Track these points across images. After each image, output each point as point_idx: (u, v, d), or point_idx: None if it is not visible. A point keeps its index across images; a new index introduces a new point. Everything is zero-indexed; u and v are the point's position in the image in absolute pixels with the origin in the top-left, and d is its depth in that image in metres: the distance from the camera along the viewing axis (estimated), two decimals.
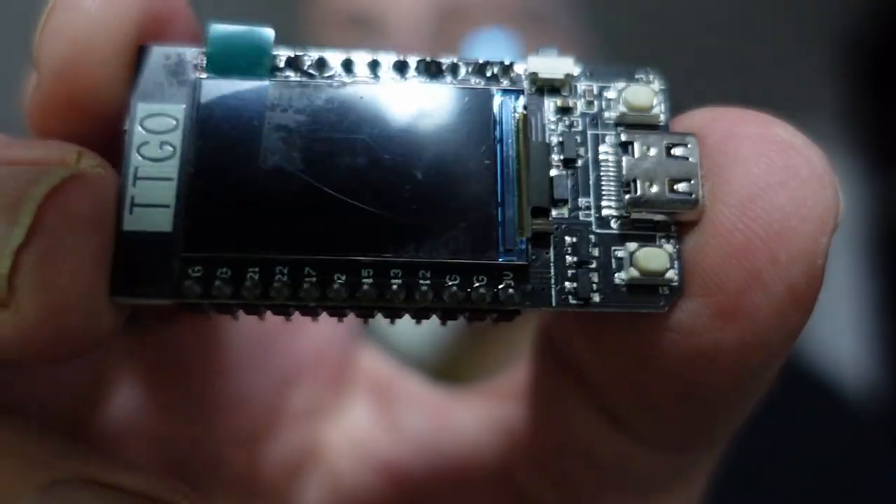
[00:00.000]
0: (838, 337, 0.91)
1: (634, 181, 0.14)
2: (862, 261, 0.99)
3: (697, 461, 0.17)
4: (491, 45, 0.51)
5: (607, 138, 0.15)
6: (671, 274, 0.14)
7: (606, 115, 0.15)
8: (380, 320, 0.15)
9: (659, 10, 0.95)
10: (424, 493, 0.20)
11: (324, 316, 0.15)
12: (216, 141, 0.14)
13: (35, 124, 0.14)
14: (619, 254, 0.14)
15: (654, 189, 0.14)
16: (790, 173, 0.13)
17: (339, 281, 0.14)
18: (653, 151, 0.14)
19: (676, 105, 0.15)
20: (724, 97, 0.16)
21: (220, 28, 0.15)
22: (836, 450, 0.52)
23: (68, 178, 0.12)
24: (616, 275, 0.14)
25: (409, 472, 0.21)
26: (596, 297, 0.14)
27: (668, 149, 0.14)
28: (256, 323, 0.20)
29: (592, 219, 0.15)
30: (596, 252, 0.14)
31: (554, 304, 0.14)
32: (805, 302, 0.13)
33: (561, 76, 0.15)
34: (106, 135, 0.14)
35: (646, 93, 0.15)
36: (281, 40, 0.15)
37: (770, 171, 0.13)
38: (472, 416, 0.21)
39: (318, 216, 0.14)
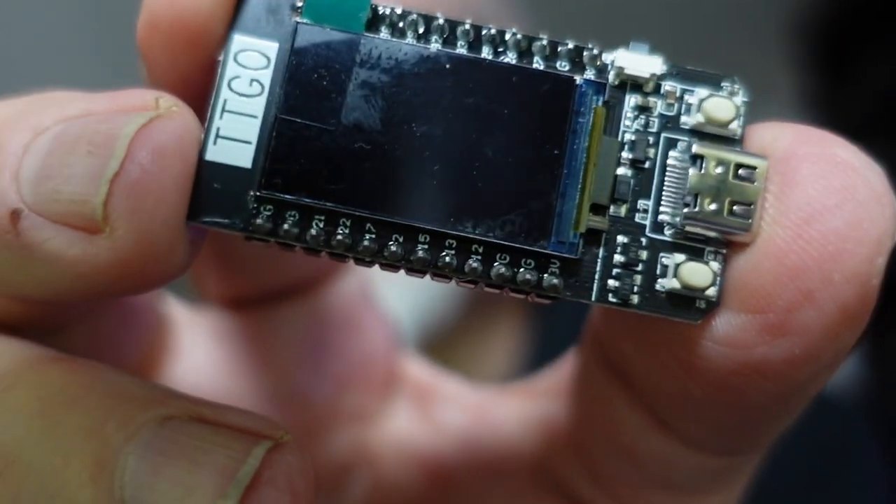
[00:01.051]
0: None
1: (696, 196, 0.15)
2: None
3: (740, 464, 0.17)
4: None
5: (679, 144, 0.15)
6: (711, 291, 0.14)
7: (683, 119, 0.15)
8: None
9: None
10: (464, 487, 0.21)
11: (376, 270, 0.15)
12: (304, 88, 0.15)
13: (142, 49, 0.15)
14: (666, 261, 0.15)
15: (713, 207, 0.14)
16: (847, 195, 0.13)
17: (397, 242, 0.14)
18: (720, 169, 0.15)
19: None
20: None
21: None
22: (819, 446, 0.53)
23: (154, 117, 0.13)
24: (658, 281, 0.15)
25: (449, 467, 0.21)
26: (635, 299, 0.15)
27: (737, 168, 0.14)
28: (315, 325, 0.21)
29: (648, 222, 0.15)
30: (644, 255, 0.15)
31: (594, 298, 0.15)
32: (857, 319, 0.13)
33: (647, 75, 0.15)
34: (205, 64, 0.15)
35: (727, 107, 0.15)
36: None
37: (827, 192, 0.13)
38: (512, 413, 0.21)
39: (387, 177, 0.15)
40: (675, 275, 0.15)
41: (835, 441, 0.54)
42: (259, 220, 0.14)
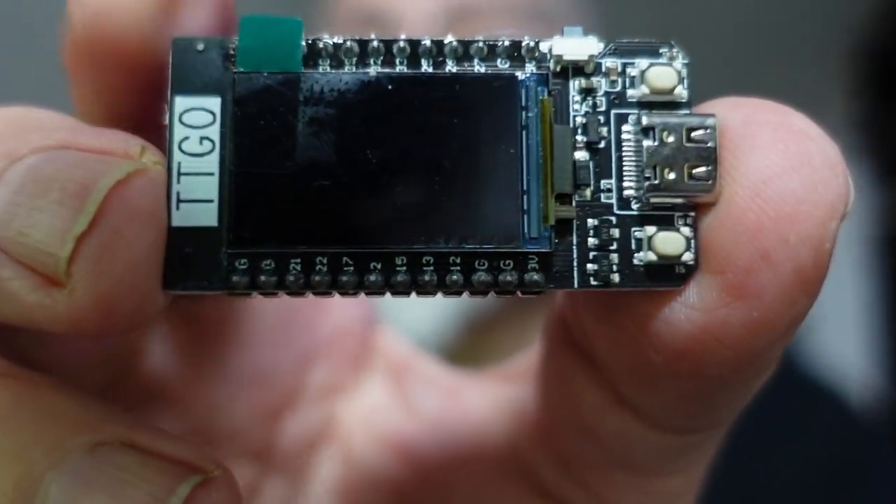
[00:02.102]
0: (843, 343, 0.91)
1: (655, 167, 0.15)
2: (869, 267, 0.99)
3: (700, 443, 0.17)
4: None
5: (630, 118, 0.15)
6: (687, 256, 0.14)
7: (629, 93, 0.15)
8: (398, 301, 0.16)
9: (668, 11, 0.95)
10: (435, 470, 0.21)
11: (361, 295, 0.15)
12: (253, 137, 0.15)
13: (70, 70, 0.15)
14: (639, 235, 0.15)
15: (672, 176, 0.14)
16: (804, 160, 0.13)
17: (376, 270, 0.14)
18: (672, 137, 0.15)
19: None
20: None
21: (250, 19, 0.15)
22: (839, 455, 0.53)
23: (133, 172, 0.13)
24: (635, 255, 0.15)
25: (420, 450, 0.21)
26: (616, 278, 0.15)
27: (689, 132, 0.15)
28: (280, 302, 0.21)
29: (614, 200, 0.15)
30: (616, 234, 0.15)
31: (576, 285, 0.15)
32: (811, 284, 0.13)
33: (585, 57, 0.15)
34: (137, 81, 0.15)
35: (668, 74, 0.15)
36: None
37: (785, 156, 0.13)
38: (484, 397, 0.22)
39: (352, 209, 0.15)
40: (650, 247, 0.15)
41: (855, 455, 0.53)
42: (236, 277, 0.14)
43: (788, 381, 0.54)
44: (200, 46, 0.15)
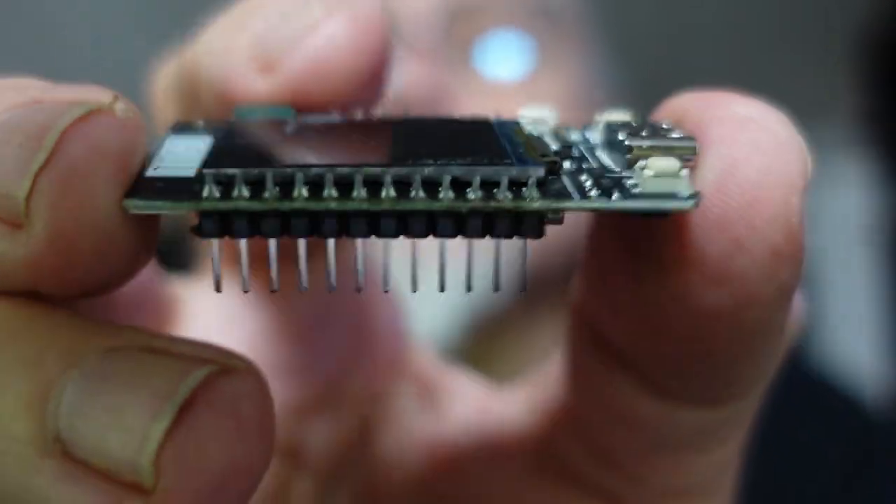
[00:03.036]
0: (854, 343, 0.91)
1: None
2: (880, 266, 0.98)
3: (729, 417, 0.18)
4: (503, 48, 0.51)
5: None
6: (684, 185, 0.14)
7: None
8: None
9: (673, 9, 0.95)
10: (467, 472, 0.21)
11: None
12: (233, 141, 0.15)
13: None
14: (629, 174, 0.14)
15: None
16: (754, 146, 0.14)
17: (359, 192, 0.13)
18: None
19: None
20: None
21: (244, 110, 0.16)
22: (855, 456, 0.53)
23: (95, 110, 0.13)
24: (631, 181, 0.14)
25: (452, 452, 0.21)
26: (616, 194, 0.14)
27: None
28: (322, 303, 0.21)
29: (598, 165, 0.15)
30: (608, 172, 0.15)
31: (575, 200, 0.14)
32: (788, 258, 0.14)
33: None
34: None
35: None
36: None
37: (735, 147, 0.14)
38: (515, 403, 0.22)
39: (338, 143, 0.15)
40: (647, 167, 0.14)
41: (864, 448, 0.54)
42: (207, 189, 0.13)
43: (801, 383, 0.54)
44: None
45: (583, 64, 0.52)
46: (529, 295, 0.44)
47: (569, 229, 0.16)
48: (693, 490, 0.19)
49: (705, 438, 0.18)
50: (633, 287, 0.16)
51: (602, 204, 0.14)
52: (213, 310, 0.21)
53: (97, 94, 0.13)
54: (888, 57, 1.02)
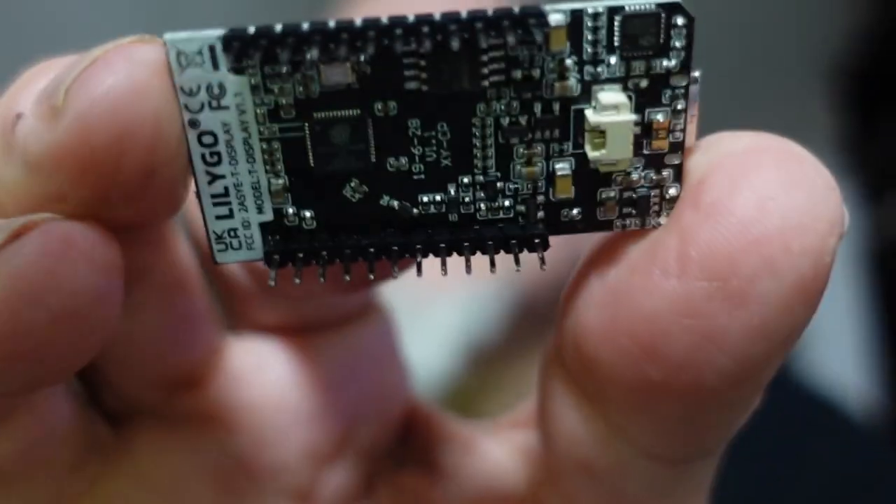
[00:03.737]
0: (839, 358, 0.91)
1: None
2: (862, 283, 0.99)
3: (695, 473, 0.18)
4: None
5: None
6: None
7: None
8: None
9: None
10: None
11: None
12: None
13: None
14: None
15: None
16: (806, 179, 0.14)
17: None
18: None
19: None
20: (718, 123, 0.17)
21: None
22: (844, 470, 0.53)
23: (138, 40, 0.14)
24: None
25: (439, 502, 0.21)
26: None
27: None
28: (343, 358, 0.21)
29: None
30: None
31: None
32: (810, 295, 0.14)
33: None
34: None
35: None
36: None
37: (788, 175, 0.14)
38: (498, 446, 0.22)
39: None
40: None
41: (860, 468, 0.53)
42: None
43: (789, 398, 0.54)
44: None
45: None
46: (525, 328, 0.45)
47: (562, 264, 0.17)
48: None
49: (665, 495, 0.18)
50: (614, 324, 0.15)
51: (573, 228, 0.15)
52: (243, 356, 0.21)
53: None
54: (860, 84, 1.04)
